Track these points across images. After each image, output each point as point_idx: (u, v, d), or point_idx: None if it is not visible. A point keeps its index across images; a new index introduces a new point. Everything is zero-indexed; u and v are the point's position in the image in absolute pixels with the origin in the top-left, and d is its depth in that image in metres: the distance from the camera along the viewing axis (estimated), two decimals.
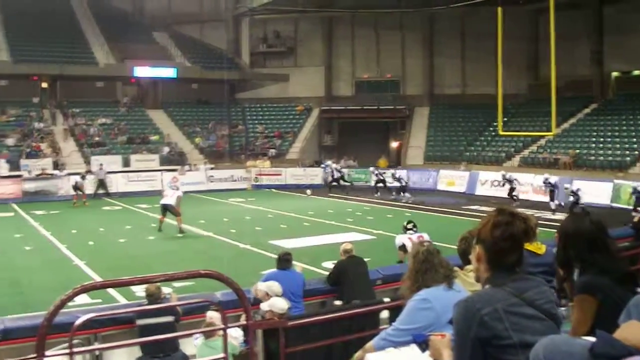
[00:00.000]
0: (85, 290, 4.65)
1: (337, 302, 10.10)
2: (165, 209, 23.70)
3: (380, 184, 36.24)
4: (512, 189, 31.44)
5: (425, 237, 13.85)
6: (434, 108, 48.80)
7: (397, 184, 34.86)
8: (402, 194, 34.02)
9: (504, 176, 32.27)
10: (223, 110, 49.46)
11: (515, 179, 31.90)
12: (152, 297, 8.91)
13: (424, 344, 3.82)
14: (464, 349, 2.90)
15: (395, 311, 6.00)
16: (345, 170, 40.72)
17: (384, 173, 37.16)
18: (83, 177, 34.61)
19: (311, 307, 10.17)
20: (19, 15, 47.84)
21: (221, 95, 48.90)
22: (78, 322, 5.44)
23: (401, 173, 36.02)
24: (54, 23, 49.06)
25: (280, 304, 7.93)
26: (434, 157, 44.46)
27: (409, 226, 14.59)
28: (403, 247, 13.99)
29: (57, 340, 5.99)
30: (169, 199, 23.66)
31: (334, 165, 40.36)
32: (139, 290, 12.82)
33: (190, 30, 54.97)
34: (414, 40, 49.76)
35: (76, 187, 33.68)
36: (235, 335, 7.64)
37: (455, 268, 4.86)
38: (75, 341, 5.74)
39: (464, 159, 42.05)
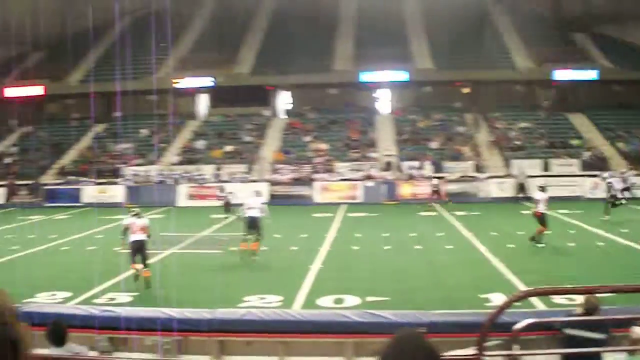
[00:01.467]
0: (529, 295, 4.74)
1: None
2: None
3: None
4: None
5: None
6: None
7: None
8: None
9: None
10: None
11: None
12: (591, 308, 8.28)
13: None
14: None
15: None
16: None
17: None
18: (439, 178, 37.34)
19: None
20: (441, 24, 50.29)
21: None
22: (519, 325, 5.53)
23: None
24: (473, 30, 50.82)
25: None
26: None
27: None
28: None
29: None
30: (541, 205, 22.59)
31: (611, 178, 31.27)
32: (557, 297, 12.79)
33: (611, 29, 52.92)
34: None
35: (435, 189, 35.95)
36: None
37: None
38: (497, 342, 5.87)
39: None
